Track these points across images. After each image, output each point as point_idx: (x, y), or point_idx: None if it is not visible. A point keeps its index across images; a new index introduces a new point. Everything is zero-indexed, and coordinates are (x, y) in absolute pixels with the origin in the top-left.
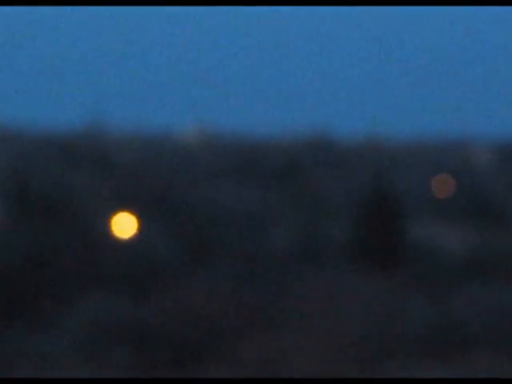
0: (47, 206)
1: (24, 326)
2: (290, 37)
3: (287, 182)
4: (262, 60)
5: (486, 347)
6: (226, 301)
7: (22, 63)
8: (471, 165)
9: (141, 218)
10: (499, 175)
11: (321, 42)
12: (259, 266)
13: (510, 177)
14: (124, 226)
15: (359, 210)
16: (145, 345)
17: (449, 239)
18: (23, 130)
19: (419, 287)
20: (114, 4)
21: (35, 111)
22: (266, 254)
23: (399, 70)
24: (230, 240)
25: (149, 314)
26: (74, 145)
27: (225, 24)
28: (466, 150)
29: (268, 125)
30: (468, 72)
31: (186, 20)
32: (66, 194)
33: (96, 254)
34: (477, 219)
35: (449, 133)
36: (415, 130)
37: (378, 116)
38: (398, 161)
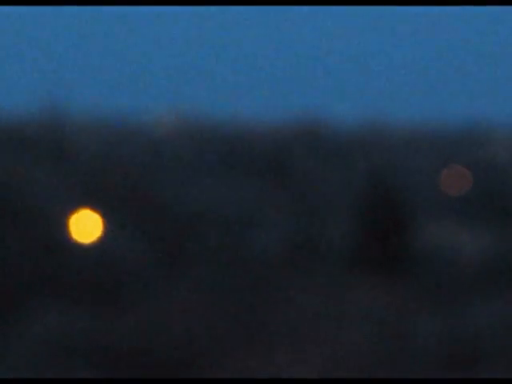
0: None
1: None
2: (286, 24)
3: (276, 176)
4: (251, 44)
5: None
6: (207, 312)
7: None
8: (489, 156)
9: (106, 219)
10: None
11: (317, 24)
12: (245, 274)
13: None
14: (87, 227)
15: (359, 208)
16: (106, 364)
17: (462, 243)
18: None
19: (427, 297)
20: None
21: None
22: (252, 260)
23: (403, 51)
24: (211, 243)
25: (112, 330)
26: (26, 133)
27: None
28: (484, 139)
29: (255, 112)
30: (484, 55)
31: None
32: (17, 190)
33: (52, 260)
34: (495, 219)
35: (462, 120)
36: (423, 117)
37: (379, 101)
38: (403, 151)
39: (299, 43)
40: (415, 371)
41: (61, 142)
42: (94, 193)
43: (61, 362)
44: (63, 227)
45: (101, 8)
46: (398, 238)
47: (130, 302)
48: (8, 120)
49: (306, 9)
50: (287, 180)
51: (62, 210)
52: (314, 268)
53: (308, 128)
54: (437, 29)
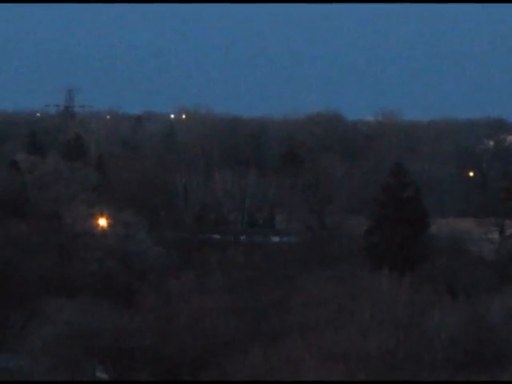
0: None
1: None
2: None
3: (292, 168)
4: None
5: None
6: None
7: None
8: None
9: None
10: None
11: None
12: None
13: None
14: None
15: (375, 200)
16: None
17: (479, 238)
18: None
19: (444, 289)
20: None
21: None
22: (268, 253)
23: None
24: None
25: None
26: None
27: None
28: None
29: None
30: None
31: None
32: None
33: None
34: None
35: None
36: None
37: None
38: (419, 143)
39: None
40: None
41: None
42: None
43: None
44: None
45: None
46: (413, 232)
47: None
48: None
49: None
50: (304, 175)
51: None
52: (330, 264)
53: (325, 122)
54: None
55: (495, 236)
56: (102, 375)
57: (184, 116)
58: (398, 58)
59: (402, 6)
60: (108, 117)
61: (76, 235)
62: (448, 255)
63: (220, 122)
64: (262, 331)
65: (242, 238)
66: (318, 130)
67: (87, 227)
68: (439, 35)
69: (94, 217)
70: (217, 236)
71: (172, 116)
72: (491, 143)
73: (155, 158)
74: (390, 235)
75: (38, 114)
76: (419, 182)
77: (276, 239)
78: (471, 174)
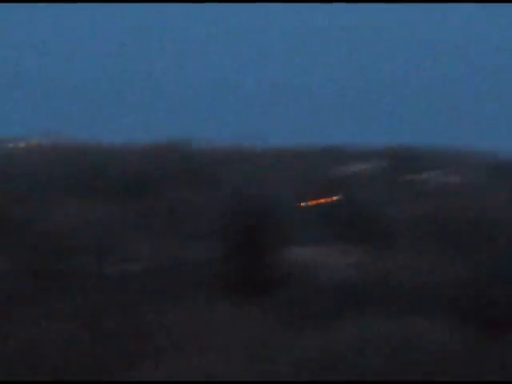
0: None
1: None
2: None
3: (139, 196)
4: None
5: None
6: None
7: None
8: (356, 176)
9: None
10: (386, 188)
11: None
12: (107, 296)
13: (398, 190)
14: None
15: (224, 228)
16: None
17: (332, 263)
18: None
19: (295, 316)
20: None
21: None
22: (116, 282)
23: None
24: (68, 265)
25: None
26: None
27: None
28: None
29: (117, 132)
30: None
31: None
32: None
33: None
34: (363, 239)
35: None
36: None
37: (243, 123)
38: (268, 170)
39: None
40: None
41: None
42: None
43: None
44: None
45: None
46: (265, 259)
47: None
48: None
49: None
50: (153, 201)
51: None
52: (180, 291)
53: (174, 149)
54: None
55: (345, 262)
56: None
57: (24, 144)
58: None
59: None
60: None
61: None
62: (297, 282)
63: (64, 150)
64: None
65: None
66: (168, 157)
67: None
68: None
69: None
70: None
71: (11, 145)
72: (339, 170)
73: None
74: (239, 262)
75: None
76: (269, 209)
77: (127, 266)
78: (322, 201)
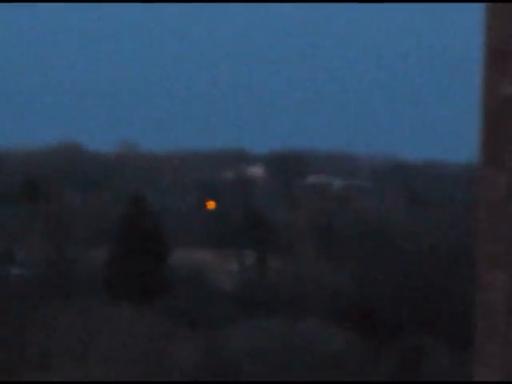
0: None
1: None
2: None
3: (28, 200)
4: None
5: None
6: None
7: None
8: (244, 181)
9: None
10: (274, 193)
11: None
12: None
13: (285, 194)
14: None
15: (114, 236)
16: None
17: (219, 268)
18: None
19: (185, 324)
20: None
21: None
22: (4, 291)
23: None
24: None
25: None
26: None
27: None
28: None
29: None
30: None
31: None
32: None
33: None
34: (251, 244)
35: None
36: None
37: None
38: (159, 178)
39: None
40: None
41: None
42: None
43: None
44: None
45: None
46: (153, 265)
47: None
48: None
49: None
50: (43, 209)
51: None
52: (69, 299)
53: (64, 153)
54: None
55: (234, 267)
56: None
57: None
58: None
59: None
60: None
61: None
62: (187, 287)
63: None
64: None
65: None
66: (57, 162)
67: None
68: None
69: None
70: None
71: None
72: (231, 174)
73: None
74: (128, 267)
75: None
76: (159, 213)
77: (16, 271)
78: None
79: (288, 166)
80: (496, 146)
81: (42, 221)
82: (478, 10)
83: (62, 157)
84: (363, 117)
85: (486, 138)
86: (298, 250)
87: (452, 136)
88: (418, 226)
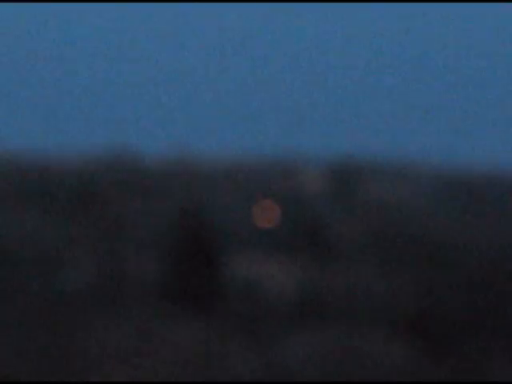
0: None
1: None
2: None
3: (83, 210)
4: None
5: None
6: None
7: None
8: (300, 188)
9: None
10: (330, 201)
11: None
12: (50, 315)
13: (342, 202)
14: None
15: (168, 243)
16: None
17: (275, 276)
18: None
19: (241, 334)
20: None
21: None
22: (59, 300)
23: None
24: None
25: None
26: None
27: None
28: (293, 172)
29: (58, 142)
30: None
31: None
32: None
33: None
34: (307, 252)
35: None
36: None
37: (189, 131)
38: (213, 184)
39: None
40: None
41: None
42: None
43: None
44: None
45: None
46: (209, 273)
47: None
48: None
49: None
50: (96, 216)
51: None
52: (124, 306)
53: (115, 161)
54: None
55: (293, 277)
56: None
57: None
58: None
59: None
60: None
61: None
62: (244, 297)
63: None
64: None
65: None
66: (110, 168)
67: None
68: None
69: None
70: None
71: None
72: (281, 182)
73: None
74: (185, 274)
75: None
76: (215, 222)
77: (73, 279)
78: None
79: (346, 173)
80: None
81: (99, 229)
82: None
83: (118, 162)
84: (422, 118)
85: None
86: (358, 262)
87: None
88: (482, 238)
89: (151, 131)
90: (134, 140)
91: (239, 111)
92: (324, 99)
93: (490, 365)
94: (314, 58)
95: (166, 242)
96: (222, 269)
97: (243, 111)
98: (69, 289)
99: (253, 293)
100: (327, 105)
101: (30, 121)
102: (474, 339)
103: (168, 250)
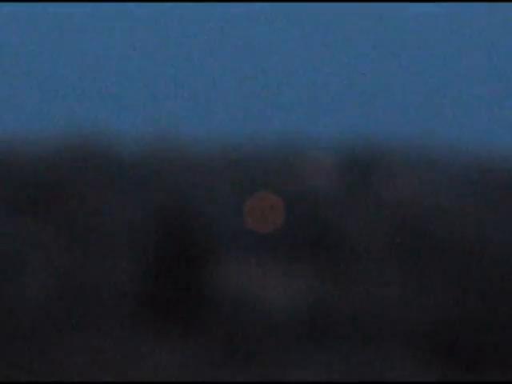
0: None
1: None
2: None
3: (42, 207)
4: None
5: None
6: None
7: None
8: (307, 181)
9: None
10: (343, 196)
11: None
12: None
13: (357, 198)
14: None
15: (147, 248)
16: None
17: (276, 289)
18: None
19: (235, 359)
20: None
21: None
22: (12, 317)
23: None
24: None
25: None
26: None
27: None
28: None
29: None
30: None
31: None
32: None
33: None
34: (314, 259)
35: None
36: (222, 132)
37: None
38: (203, 176)
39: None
40: None
41: None
42: None
43: None
44: None
45: None
46: (195, 284)
47: None
48: None
49: None
50: (58, 214)
51: None
52: (93, 318)
53: (81, 146)
54: None
55: (299, 287)
56: None
57: None
58: None
59: None
60: None
61: None
62: (239, 311)
63: None
64: None
65: None
66: (80, 155)
67: None
68: None
69: None
70: None
71: None
72: (286, 171)
73: None
74: (167, 286)
75: None
76: (204, 223)
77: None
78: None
79: (363, 160)
80: None
81: (67, 229)
82: None
83: (90, 148)
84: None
85: None
86: (379, 268)
87: None
88: None
89: (128, 109)
90: (107, 120)
91: (235, 87)
92: (336, 71)
93: None
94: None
95: (145, 247)
96: (211, 279)
97: (239, 87)
98: (25, 303)
99: (249, 309)
100: (339, 78)
101: None
102: None
103: (146, 256)
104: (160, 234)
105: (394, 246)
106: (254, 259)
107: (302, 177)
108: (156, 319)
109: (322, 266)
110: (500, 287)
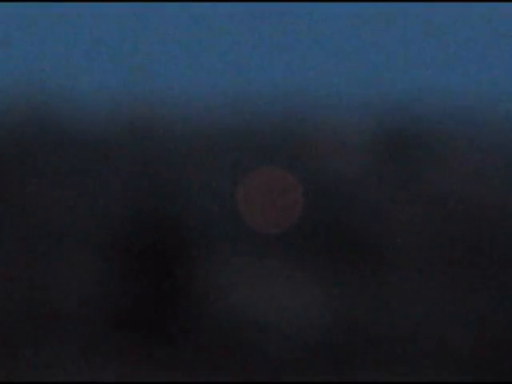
0: None
1: None
2: None
3: None
4: None
5: None
6: None
7: None
8: (327, 163)
9: None
10: (376, 183)
11: None
12: None
13: (394, 186)
14: None
15: (116, 249)
16: None
17: (283, 301)
18: None
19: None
20: None
21: None
22: None
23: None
24: None
25: None
26: None
27: None
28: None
29: None
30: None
31: None
32: None
33: None
34: (335, 263)
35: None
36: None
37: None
38: (188, 156)
39: None
40: None
41: None
42: None
43: None
44: None
45: None
46: (177, 295)
47: None
48: None
49: None
50: (5, 200)
51: None
52: (49, 345)
53: (32, 119)
54: None
55: (313, 301)
56: None
57: None
58: None
59: None
60: None
61: None
62: (229, 331)
63: None
64: None
65: None
66: (20, 120)
67: None
68: None
69: None
70: None
71: None
72: (299, 143)
73: None
74: (142, 298)
75: None
76: (186, 214)
77: None
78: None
79: (400, 128)
80: None
81: (6, 224)
82: None
83: (29, 121)
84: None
85: None
86: (414, 274)
87: None
88: None
89: (90, 70)
90: (62, 84)
91: (230, 33)
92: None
93: None
94: None
95: (113, 248)
96: (197, 289)
97: (237, 34)
98: None
99: (249, 329)
100: (371, 23)
101: None
102: None
103: (115, 259)
104: (133, 232)
105: (439, 248)
106: (256, 263)
107: (320, 157)
108: (128, 341)
109: (345, 274)
110: None
